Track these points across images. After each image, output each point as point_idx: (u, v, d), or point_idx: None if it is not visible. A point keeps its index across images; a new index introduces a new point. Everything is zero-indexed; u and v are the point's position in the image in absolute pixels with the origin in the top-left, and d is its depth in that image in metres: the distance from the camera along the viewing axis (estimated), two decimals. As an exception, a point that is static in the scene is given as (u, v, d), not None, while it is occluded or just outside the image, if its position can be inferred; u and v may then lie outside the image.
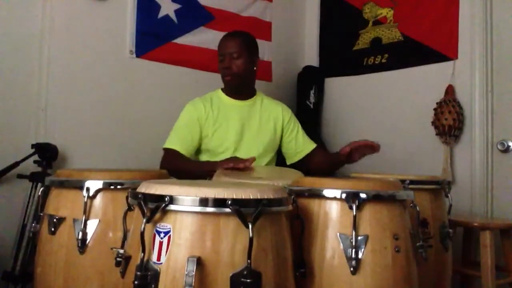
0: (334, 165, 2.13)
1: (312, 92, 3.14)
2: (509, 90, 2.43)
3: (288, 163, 2.26)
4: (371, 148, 1.93)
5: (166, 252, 1.01)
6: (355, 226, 1.22)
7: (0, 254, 1.96)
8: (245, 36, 2.16)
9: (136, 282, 0.99)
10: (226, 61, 2.08)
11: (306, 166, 2.18)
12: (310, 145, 2.24)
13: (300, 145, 2.23)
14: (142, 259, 1.01)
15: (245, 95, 2.18)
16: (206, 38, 2.73)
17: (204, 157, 2.13)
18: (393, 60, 2.87)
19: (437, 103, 2.56)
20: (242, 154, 2.07)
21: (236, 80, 2.10)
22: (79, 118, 2.26)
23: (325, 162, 2.17)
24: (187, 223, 1.01)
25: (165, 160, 2.04)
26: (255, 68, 2.16)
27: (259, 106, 2.20)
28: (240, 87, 2.15)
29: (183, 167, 1.99)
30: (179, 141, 2.06)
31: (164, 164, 2.02)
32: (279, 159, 2.28)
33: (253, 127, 2.14)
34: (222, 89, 2.20)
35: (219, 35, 2.52)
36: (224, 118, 2.11)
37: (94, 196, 1.35)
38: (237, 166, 1.75)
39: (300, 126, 2.26)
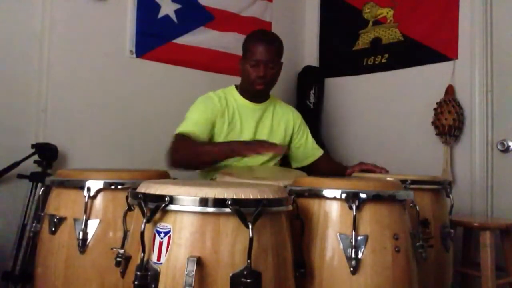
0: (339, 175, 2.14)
1: (312, 92, 3.14)
2: (509, 90, 2.43)
3: (293, 166, 2.26)
4: (378, 171, 1.96)
5: (166, 252, 1.01)
6: (355, 226, 1.23)
7: (0, 254, 1.96)
8: (279, 43, 2.07)
9: (136, 282, 0.99)
10: (261, 69, 1.97)
11: (310, 171, 2.17)
12: (318, 152, 2.24)
13: (309, 150, 2.22)
14: (142, 259, 1.01)
15: (261, 99, 2.14)
16: (206, 38, 2.72)
17: None
18: (393, 60, 2.87)
19: (437, 103, 2.56)
20: (253, 156, 2.06)
21: (267, 88, 2.08)
22: (79, 118, 2.26)
23: (330, 171, 2.17)
24: (187, 223, 1.01)
25: (176, 145, 1.86)
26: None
27: (272, 110, 2.16)
28: (264, 94, 2.12)
29: (199, 149, 1.84)
30: (195, 124, 1.92)
31: (174, 149, 1.85)
32: (282, 161, 2.28)
33: (265, 130, 2.12)
34: (236, 87, 2.12)
35: (219, 35, 2.53)
36: (238, 120, 2.06)
37: (95, 196, 1.36)
38: (267, 151, 1.73)
39: (309, 131, 2.25)
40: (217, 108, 2.00)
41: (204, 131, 1.95)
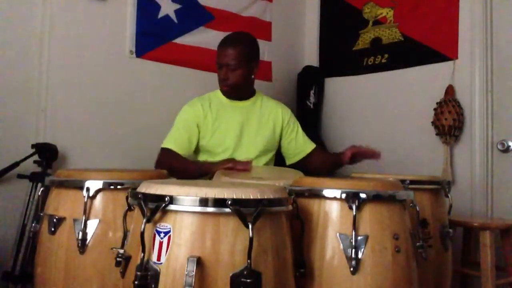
0: (334, 166, 2.14)
1: (312, 92, 3.14)
2: (509, 90, 2.43)
3: (287, 163, 2.26)
4: (372, 154, 1.95)
5: (166, 252, 1.01)
6: (355, 226, 1.23)
7: (0, 254, 1.96)
8: (244, 44, 2.10)
9: (136, 282, 0.99)
10: (223, 72, 2.06)
11: (305, 166, 2.18)
12: (310, 146, 2.24)
13: (300, 145, 2.23)
14: (142, 259, 1.01)
15: (244, 96, 2.18)
16: (206, 38, 2.72)
17: (203, 157, 2.13)
18: (393, 60, 2.87)
19: (437, 103, 2.56)
20: (241, 154, 2.07)
21: (234, 90, 2.11)
22: (79, 118, 2.26)
23: (325, 163, 2.17)
24: (187, 223, 1.01)
25: (161, 159, 2.03)
26: (253, 76, 2.15)
27: (258, 106, 2.20)
28: (238, 93, 2.15)
29: (179, 166, 1.97)
30: (176, 141, 2.06)
31: (160, 163, 2.00)
32: (278, 159, 2.28)
33: (252, 127, 2.14)
34: (221, 90, 2.19)
35: (219, 35, 2.52)
36: (223, 119, 2.10)
37: (94, 196, 1.36)
38: (236, 168, 1.76)
39: (299, 126, 2.26)
40: (198, 113, 2.08)
41: (184, 145, 2.06)
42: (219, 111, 2.11)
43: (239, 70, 2.05)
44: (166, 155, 2.03)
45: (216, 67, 2.11)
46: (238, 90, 2.13)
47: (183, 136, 2.07)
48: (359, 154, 1.99)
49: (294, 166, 2.22)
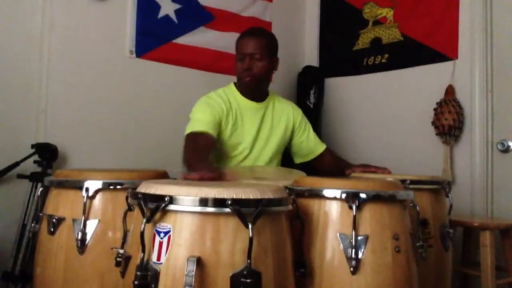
0: (342, 172, 2.13)
1: (312, 92, 3.14)
2: (509, 90, 2.43)
3: (296, 162, 2.25)
4: (381, 171, 1.93)
5: (166, 252, 1.01)
6: (355, 226, 1.22)
7: (0, 254, 1.96)
8: (268, 36, 2.09)
9: (136, 282, 0.99)
10: (246, 62, 1.99)
11: (314, 167, 2.17)
12: (321, 147, 2.24)
13: (311, 145, 2.22)
14: (142, 259, 1.01)
15: (261, 97, 2.13)
16: (206, 38, 2.72)
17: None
18: (393, 60, 2.87)
19: (437, 103, 2.56)
20: (255, 156, 2.06)
21: (255, 82, 2.04)
22: (79, 118, 2.26)
23: (334, 166, 2.16)
24: (187, 223, 1.01)
25: (186, 145, 1.83)
26: (274, 72, 2.13)
27: (271, 108, 2.16)
28: (257, 89, 2.09)
29: (190, 160, 1.75)
30: (202, 122, 1.90)
31: (185, 150, 1.81)
32: (283, 159, 2.27)
33: (266, 129, 2.12)
34: (235, 85, 2.12)
35: (219, 35, 2.53)
36: (241, 121, 2.05)
37: (94, 196, 1.36)
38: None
39: (310, 126, 2.25)
40: (222, 109, 1.99)
41: (215, 125, 1.93)
42: (237, 112, 2.04)
43: (263, 61, 2.01)
44: (190, 141, 1.83)
45: (235, 62, 2.05)
46: (259, 84, 2.07)
47: (208, 116, 1.91)
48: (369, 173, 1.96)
49: (303, 166, 2.22)
